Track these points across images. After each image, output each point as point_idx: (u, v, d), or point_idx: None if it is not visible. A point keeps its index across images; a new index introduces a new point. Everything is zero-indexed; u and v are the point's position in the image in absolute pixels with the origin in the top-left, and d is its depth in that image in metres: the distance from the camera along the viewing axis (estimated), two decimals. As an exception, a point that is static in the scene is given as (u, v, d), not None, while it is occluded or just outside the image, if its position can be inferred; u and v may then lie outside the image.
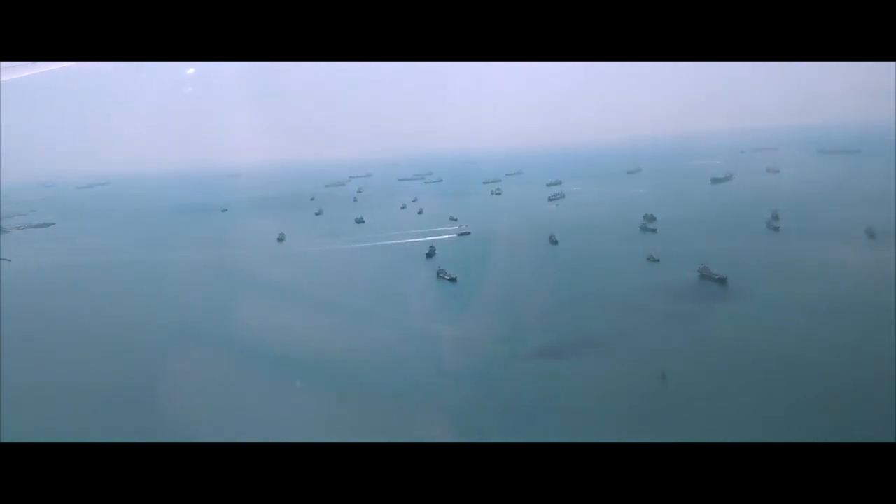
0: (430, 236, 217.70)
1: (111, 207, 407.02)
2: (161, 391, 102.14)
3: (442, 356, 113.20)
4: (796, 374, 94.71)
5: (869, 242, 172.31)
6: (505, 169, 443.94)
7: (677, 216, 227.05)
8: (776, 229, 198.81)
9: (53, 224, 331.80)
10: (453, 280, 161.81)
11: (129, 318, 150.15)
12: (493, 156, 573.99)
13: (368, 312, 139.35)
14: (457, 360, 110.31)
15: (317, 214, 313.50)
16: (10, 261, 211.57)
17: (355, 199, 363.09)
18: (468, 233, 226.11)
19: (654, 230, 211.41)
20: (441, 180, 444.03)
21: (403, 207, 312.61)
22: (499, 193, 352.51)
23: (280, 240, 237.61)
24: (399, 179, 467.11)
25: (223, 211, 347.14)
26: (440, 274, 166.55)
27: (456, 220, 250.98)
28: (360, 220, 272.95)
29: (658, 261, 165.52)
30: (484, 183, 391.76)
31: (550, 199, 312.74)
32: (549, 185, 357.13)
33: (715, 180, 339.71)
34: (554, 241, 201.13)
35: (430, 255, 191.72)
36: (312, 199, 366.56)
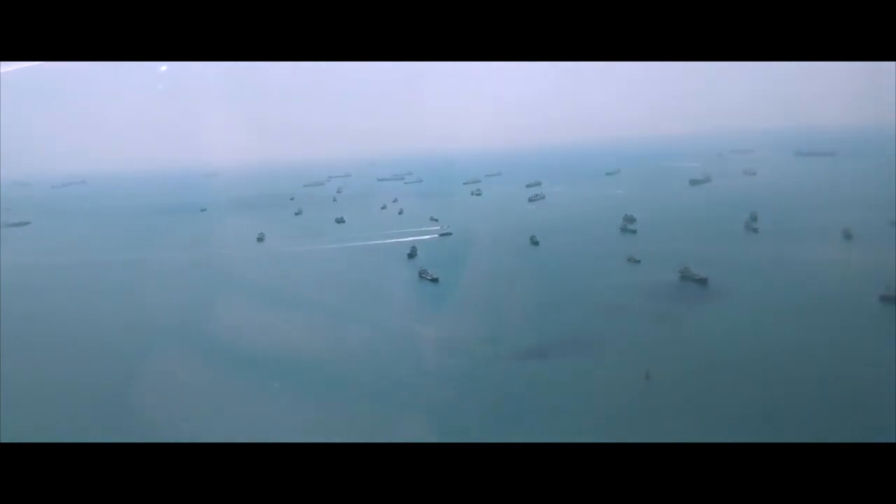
0: (412, 237, 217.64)
1: (88, 206, 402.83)
2: (135, 391, 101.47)
3: (425, 356, 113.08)
4: (778, 373, 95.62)
5: (845, 243, 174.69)
6: (484, 170, 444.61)
7: (657, 217, 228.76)
8: (755, 230, 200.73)
9: (29, 223, 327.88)
10: (435, 280, 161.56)
11: (110, 318, 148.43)
12: (473, 156, 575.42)
13: (351, 313, 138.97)
14: (440, 361, 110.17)
15: (296, 214, 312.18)
16: None
17: (335, 200, 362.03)
18: (450, 233, 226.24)
19: (634, 231, 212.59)
20: (421, 181, 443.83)
21: (384, 208, 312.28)
22: (479, 194, 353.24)
23: (260, 239, 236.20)
24: (378, 180, 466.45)
25: (202, 210, 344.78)
26: (422, 274, 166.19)
27: (437, 220, 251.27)
28: (340, 221, 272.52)
29: (639, 261, 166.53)
30: (464, 183, 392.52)
31: (531, 199, 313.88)
32: (528, 185, 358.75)
33: (693, 182, 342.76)
34: (535, 242, 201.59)
35: (412, 255, 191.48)
36: (292, 198, 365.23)
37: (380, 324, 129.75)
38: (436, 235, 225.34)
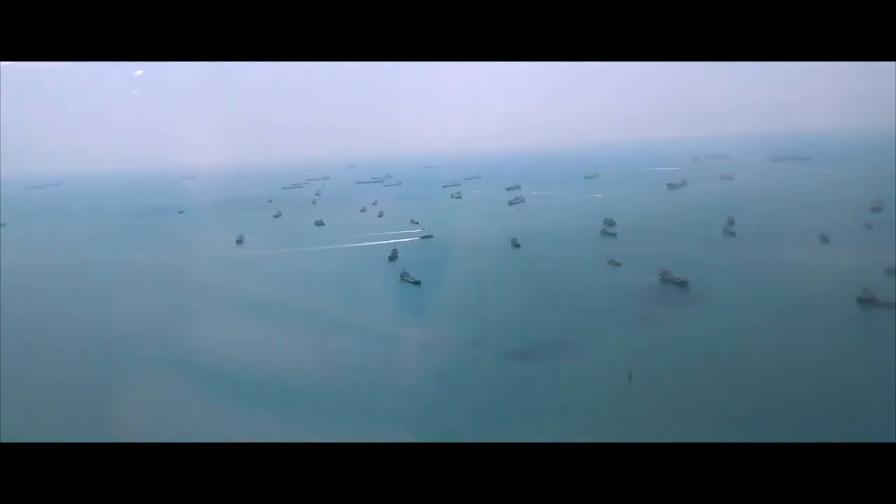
0: (392, 239, 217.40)
1: (65, 208, 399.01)
2: (110, 393, 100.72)
3: (408, 359, 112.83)
4: (761, 374, 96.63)
5: (822, 246, 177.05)
6: (463, 173, 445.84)
7: (636, 221, 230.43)
8: (733, 234, 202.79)
9: (4, 225, 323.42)
10: (417, 283, 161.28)
11: (84, 321, 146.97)
12: (451, 160, 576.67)
13: (333, 316, 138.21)
14: (424, 363, 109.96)
15: (275, 217, 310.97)
16: None
17: (314, 202, 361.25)
18: (431, 236, 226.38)
19: (613, 234, 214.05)
20: (400, 183, 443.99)
21: (363, 210, 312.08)
22: (459, 197, 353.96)
23: (239, 242, 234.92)
24: (357, 182, 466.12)
25: (180, 212, 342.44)
26: (404, 277, 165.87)
27: (417, 223, 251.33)
28: (319, 223, 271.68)
29: (619, 264, 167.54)
30: (443, 187, 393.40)
31: (511, 203, 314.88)
32: (508, 189, 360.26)
33: (671, 186, 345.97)
34: (516, 245, 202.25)
35: (393, 258, 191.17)
36: (270, 201, 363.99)
37: (362, 327, 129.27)
38: (417, 238, 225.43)
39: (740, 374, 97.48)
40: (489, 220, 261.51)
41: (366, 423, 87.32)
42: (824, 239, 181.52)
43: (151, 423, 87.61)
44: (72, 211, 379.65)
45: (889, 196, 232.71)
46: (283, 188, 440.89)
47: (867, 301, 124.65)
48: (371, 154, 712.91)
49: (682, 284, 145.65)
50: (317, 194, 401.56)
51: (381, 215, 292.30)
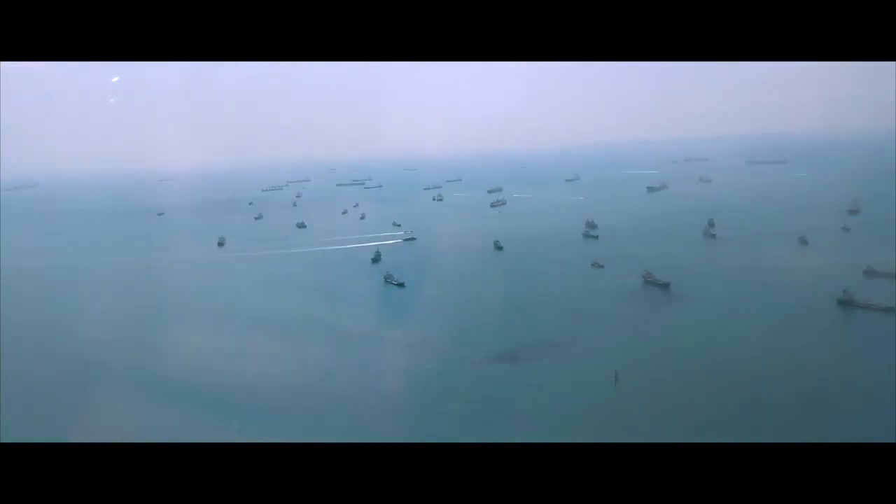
0: (374, 241, 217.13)
1: (41, 210, 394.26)
2: (86, 395, 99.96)
3: (393, 360, 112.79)
4: (743, 374, 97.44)
5: (801, 248, 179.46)
6: (444, 175, 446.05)
7: (617, 224, 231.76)
8: (713, 236, 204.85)
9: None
10: (401, 285, 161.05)
11: (69, 322, 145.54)
12: (432, 162, 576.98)
13: (318, 318, 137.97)
14: (409, 365, 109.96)
15: (256, 219, 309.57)
16: None
17: (295, 204, 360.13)
18: (414, 238, 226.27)
19: (596, 237, 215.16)
20: (381, 186, 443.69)
21: (345, 213, 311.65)
22: (440, 199, 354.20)
23: (221, 244, 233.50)
24: (338, 185, 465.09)
25: (160, 214, 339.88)
26: (388, 279, 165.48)
27: (399, 225, 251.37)
28: (301, 225, 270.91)
29: (602, 266, 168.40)
30: (424, 189, 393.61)
31: (493, 205, 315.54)
32: (490, 191, 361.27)
33: (651, 189, 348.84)
34: (499, 247, 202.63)
35: (376, 260, 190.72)
36: (251, 203, 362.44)
37: (347, 329, 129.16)
38: (399, 240, 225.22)
39: (724, 374, 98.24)
40: (471, 222, 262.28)
41: (351, 424, 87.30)
42: (803, 241, 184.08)
43: (119, 426, 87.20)
44: (49, 213, 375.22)
45: (866, 198, 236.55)
46: (263, 190, 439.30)
47: (847, 302, 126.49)
48: (351, 156, 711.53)
49: (665, 286, 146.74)
50: (297, 196, 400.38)
51: (362, 217, 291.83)
